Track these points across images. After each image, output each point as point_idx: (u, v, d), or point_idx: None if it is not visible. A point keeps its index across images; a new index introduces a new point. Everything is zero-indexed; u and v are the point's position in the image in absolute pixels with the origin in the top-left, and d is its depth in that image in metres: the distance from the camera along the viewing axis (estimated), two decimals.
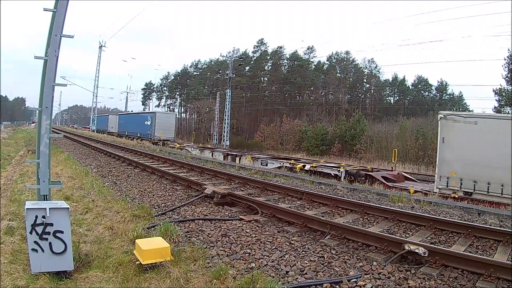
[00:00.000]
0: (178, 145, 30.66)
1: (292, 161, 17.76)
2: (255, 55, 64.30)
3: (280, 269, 3.89)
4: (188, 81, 76.52)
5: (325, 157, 35.47)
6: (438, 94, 56.01)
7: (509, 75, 23.84)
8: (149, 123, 36.92)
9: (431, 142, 30.41)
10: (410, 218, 6.17)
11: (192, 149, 27.47)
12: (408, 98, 58.00)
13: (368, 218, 6.44)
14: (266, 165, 18.40)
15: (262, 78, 62.97)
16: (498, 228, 5.77)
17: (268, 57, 63.29)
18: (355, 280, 3.63)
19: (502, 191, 10.14)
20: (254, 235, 5.04)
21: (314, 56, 61.43)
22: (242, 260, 4.13)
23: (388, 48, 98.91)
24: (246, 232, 5.20)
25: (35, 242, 3.58)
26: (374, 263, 4.15)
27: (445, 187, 11.32)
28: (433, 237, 5.47)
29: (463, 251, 4.56)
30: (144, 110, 71.61)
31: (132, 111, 63.42)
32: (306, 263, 4.07)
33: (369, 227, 5.82)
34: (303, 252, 4.45)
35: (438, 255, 4.08)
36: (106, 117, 56.49)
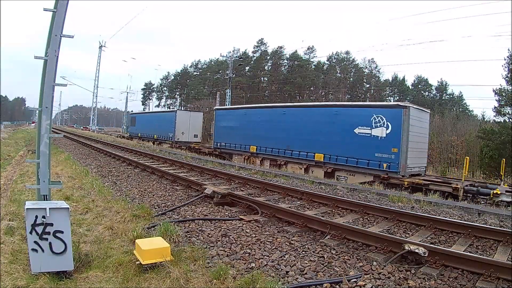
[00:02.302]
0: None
1: None
2: (255, 55, 64.42)
3: (280, 269, 3.89)
4: (188, 81, 76.63)
5: None
6: (438, 94, 56.11)
7: (509, 75, 23.82)
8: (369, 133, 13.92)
9: (430, 142, 30.45)
10: (410, 218, 6.17)
11: None
12: (408, 98, 58.05)
13: (368, 218, 6.44)
14: None
15: (262, 78, 63.02)
16: (498, 228, 5.77)
17: (268, 57, 63.37)
18: (355, 280, 3.63)
19: None
20: (254, 235, 5.04)
21: (314, 56, 61.60)
22: (242, 260, 4.13)
23: (388, 48, 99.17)
24: (246, 232, 5.20)
25: (35, 242, 3.58)
26: (374, 263, 4.15)
27: None
28: (433, 237, 5.47)
29: (463, 251, 4.56)
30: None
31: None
32: (306, 263, 4.07)
33: (369, 227, 5.82)
34: (303, 252, 4.45)
35: (438, 255, 4.08)
36: (171, 115, 30.60)
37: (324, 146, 15.35)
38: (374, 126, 13.55)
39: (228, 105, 37.00)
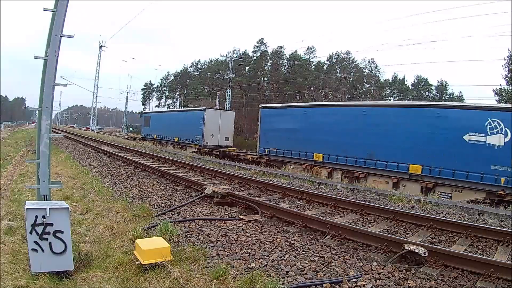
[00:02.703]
0: None
1: None
2: (255, 55, 64.36)
3: (280, 269, 3.89)
4: (188, 81, 76.61)
5: None
6: (438, 94, 56.09)
7: (509, 75, 23.86)
8: None
9: None
10: (410, 218, 6.17)
11: None
12: (408, 98, 58.06)
13: (368, 218, 6.44)
14: None
15: (262, 78, 63.00)
16: (498, 228, 5.77)
17: (268, 57, 63.32)
18: (355, 280, 3.63)
19: None
20: (254, 235, 5.04)
21: (314, 56, 61.56)
22: (242, 260, 4.13)
23: (388, 48, 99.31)
24: (246, 232, 5.20)
25: (35, 242, 3.58)
26: (374, 263, 4.15)
27: None
28: (433, 237, 5.47)
29: (463, 251, 4.56)
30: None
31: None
32: (306, 263, 4.07)
33: (369, 227, 5.83)
34: (303, 252, 4.45)
35: (438, 255, 4.08)
36: (198, 115, 25.93)
37: (422, 156, 12.62)
38: (489, 133, 11.33)
39: (229, 105, 35.06)
